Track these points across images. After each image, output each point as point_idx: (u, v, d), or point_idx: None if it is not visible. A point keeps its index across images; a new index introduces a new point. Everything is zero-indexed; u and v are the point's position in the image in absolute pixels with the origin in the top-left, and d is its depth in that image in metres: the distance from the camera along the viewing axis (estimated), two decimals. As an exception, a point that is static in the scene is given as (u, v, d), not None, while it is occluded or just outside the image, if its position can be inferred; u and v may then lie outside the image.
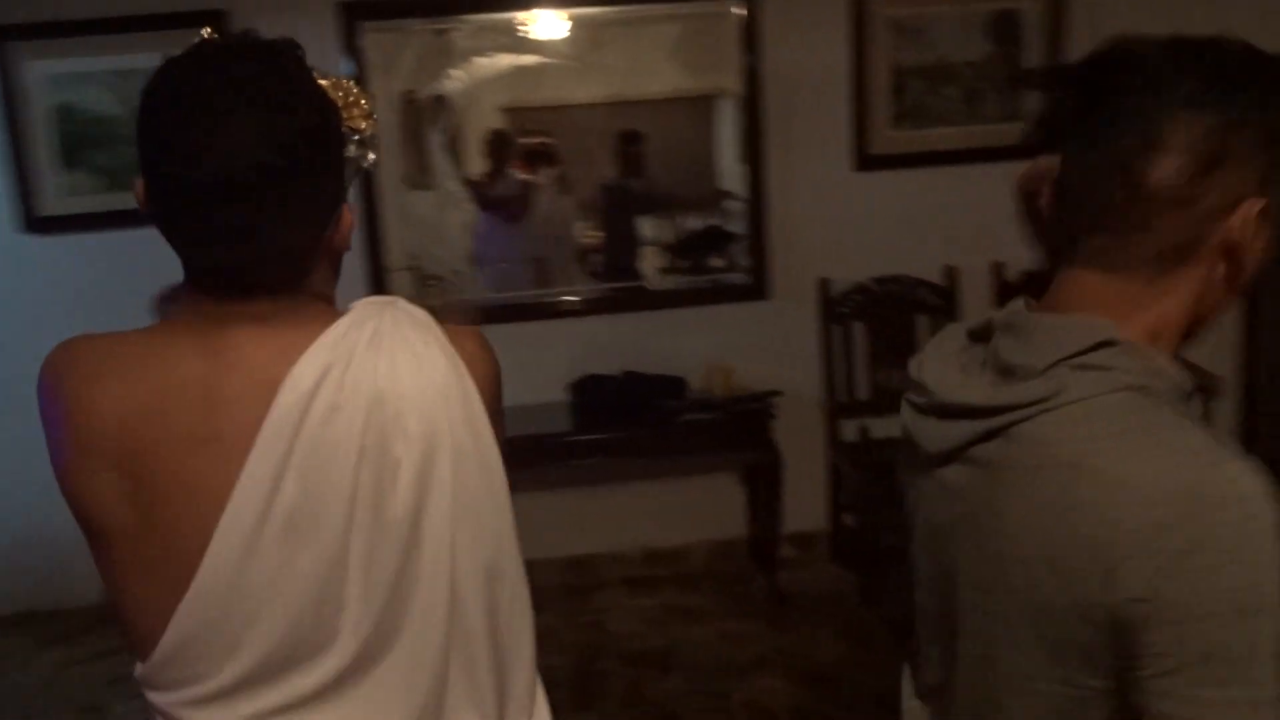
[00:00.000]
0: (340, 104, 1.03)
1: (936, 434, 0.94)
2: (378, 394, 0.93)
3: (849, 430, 3.63)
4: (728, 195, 3.73)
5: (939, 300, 3.69)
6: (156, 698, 0.97)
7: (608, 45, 3.57)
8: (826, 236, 3.66)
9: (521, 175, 3.71)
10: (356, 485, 0.91)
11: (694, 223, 3.88)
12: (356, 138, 1.08)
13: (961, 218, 3.67)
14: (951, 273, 3.68)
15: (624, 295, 3.71)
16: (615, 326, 3.62)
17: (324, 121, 0.94)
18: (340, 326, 0.95)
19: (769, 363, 3.59)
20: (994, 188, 3.64)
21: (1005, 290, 3.62)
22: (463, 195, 3.69)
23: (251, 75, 0.90)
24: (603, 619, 3.32)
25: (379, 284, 3.47)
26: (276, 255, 0.94)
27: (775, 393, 3.39)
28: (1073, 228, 0.88)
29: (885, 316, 3.66)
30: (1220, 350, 3.70)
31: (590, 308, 3.66)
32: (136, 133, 0.91)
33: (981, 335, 0.97)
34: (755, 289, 3.65)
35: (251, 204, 0.89)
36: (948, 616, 0.95)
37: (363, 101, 1.09)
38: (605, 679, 2.94)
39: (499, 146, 3.66)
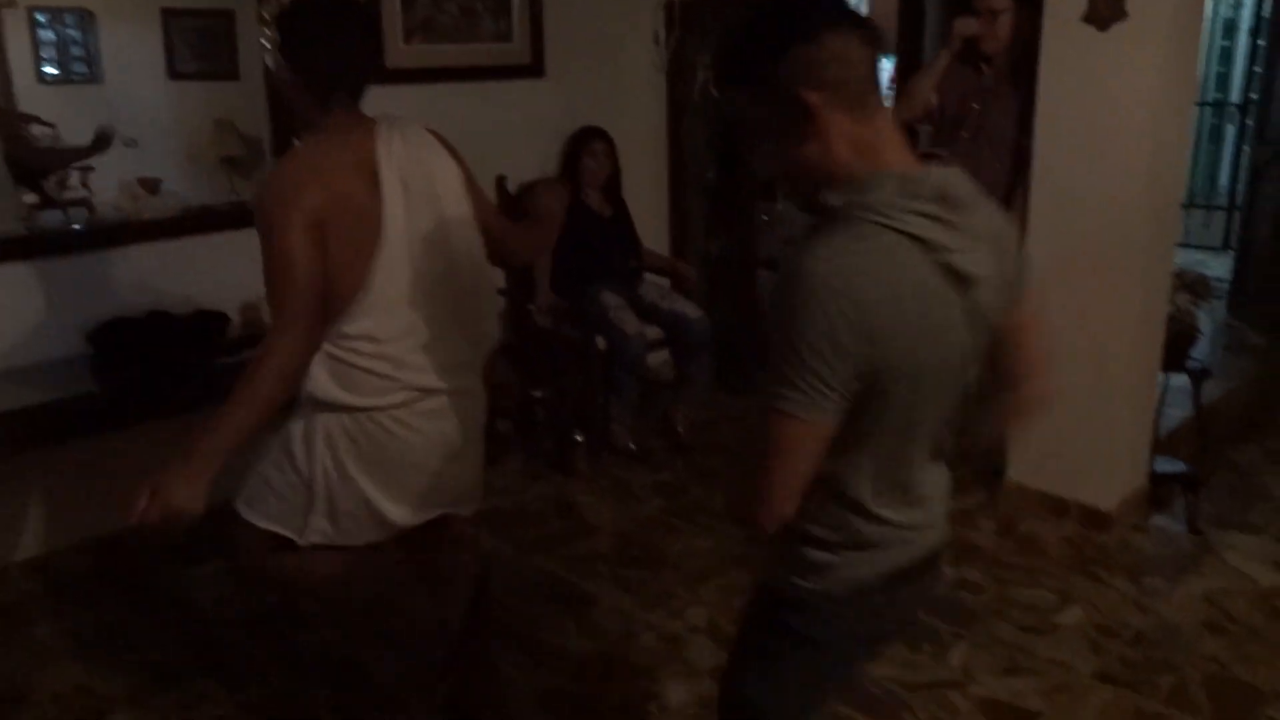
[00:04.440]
0: None
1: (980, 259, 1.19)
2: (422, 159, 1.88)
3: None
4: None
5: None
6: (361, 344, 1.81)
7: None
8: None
9: None
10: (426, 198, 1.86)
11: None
12: None
13: (469, 133, 3.82)
14: (459, 188, 3.83)
15: (137, 222, 3.12)
16: (132, 258, 3.06)
17: None
18: (383, 129, 1.85)
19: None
20: (494, 104, 3.91)
21: (508, 202, 3.90)
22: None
23: None
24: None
25: None
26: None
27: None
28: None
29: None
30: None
31: (99, 240, 3.02)
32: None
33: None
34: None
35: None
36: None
37: None
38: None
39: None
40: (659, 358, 4.09)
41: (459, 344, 1.93)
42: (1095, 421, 3.16)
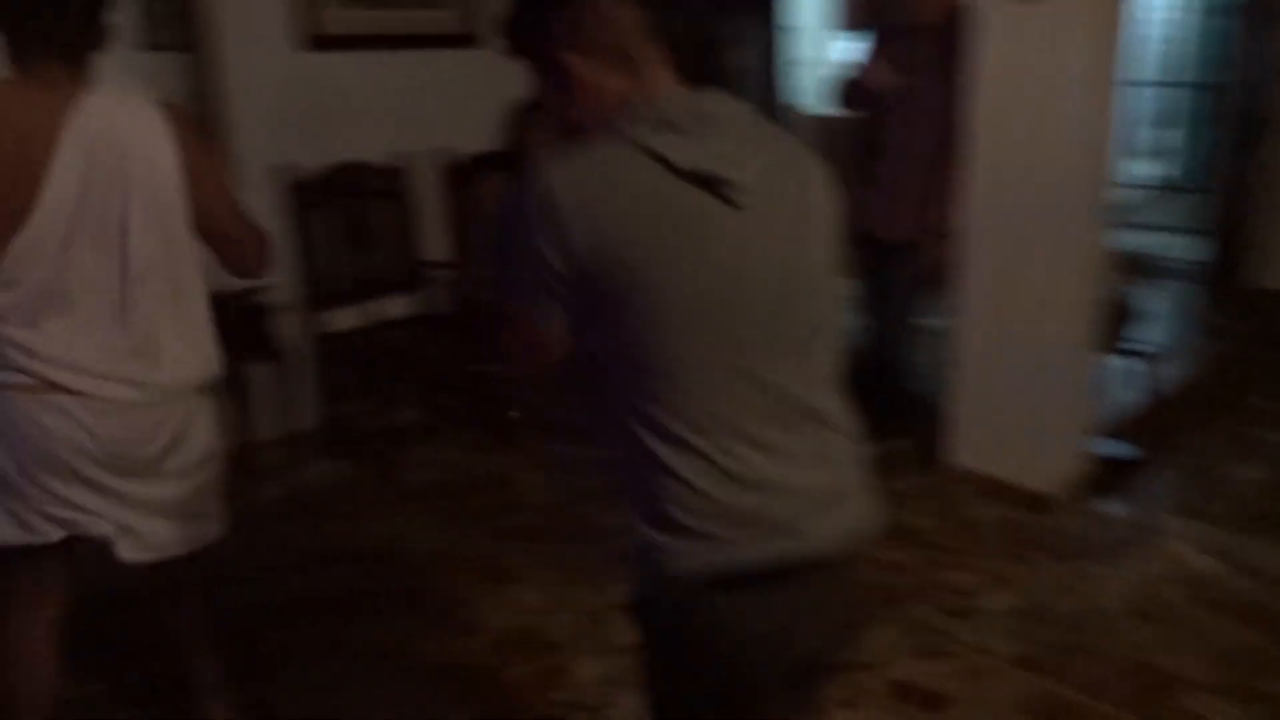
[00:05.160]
0: None
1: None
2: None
3: (333, 322, 3.59)
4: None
5: (391, 185, 3.76)
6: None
7: None
8: (280, 121, 3.46)
9: None
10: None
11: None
12: None
13: (410, 102, 3.77)
14: (404, 158, 3.77)
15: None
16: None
17: None
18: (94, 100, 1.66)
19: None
20: (439, 73, 3.84)
21: (456, 175, 3.84)
22: None
23: None
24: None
25: None
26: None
27: (263, 288, 3.18)
28: None
29: (343, 204, 3.63)
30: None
31: None
32: None
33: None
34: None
35: None
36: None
37: None
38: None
39: None
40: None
41: (118, 343, 1.71)
42: (1032, 403, 3.10)
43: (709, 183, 1.13)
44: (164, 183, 1.71)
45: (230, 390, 3.43)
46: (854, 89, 3.46)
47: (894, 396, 3.61)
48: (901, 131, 3.33)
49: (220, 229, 1.82)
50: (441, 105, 3.81)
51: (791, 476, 1.19)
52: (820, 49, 6.44)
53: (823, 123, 4.76)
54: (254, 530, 3.10)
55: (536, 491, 3.37)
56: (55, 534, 1.75)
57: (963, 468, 3.34)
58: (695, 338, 1.13)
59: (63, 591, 1.88)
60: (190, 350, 1.81)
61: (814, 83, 5.56)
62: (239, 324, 3.17)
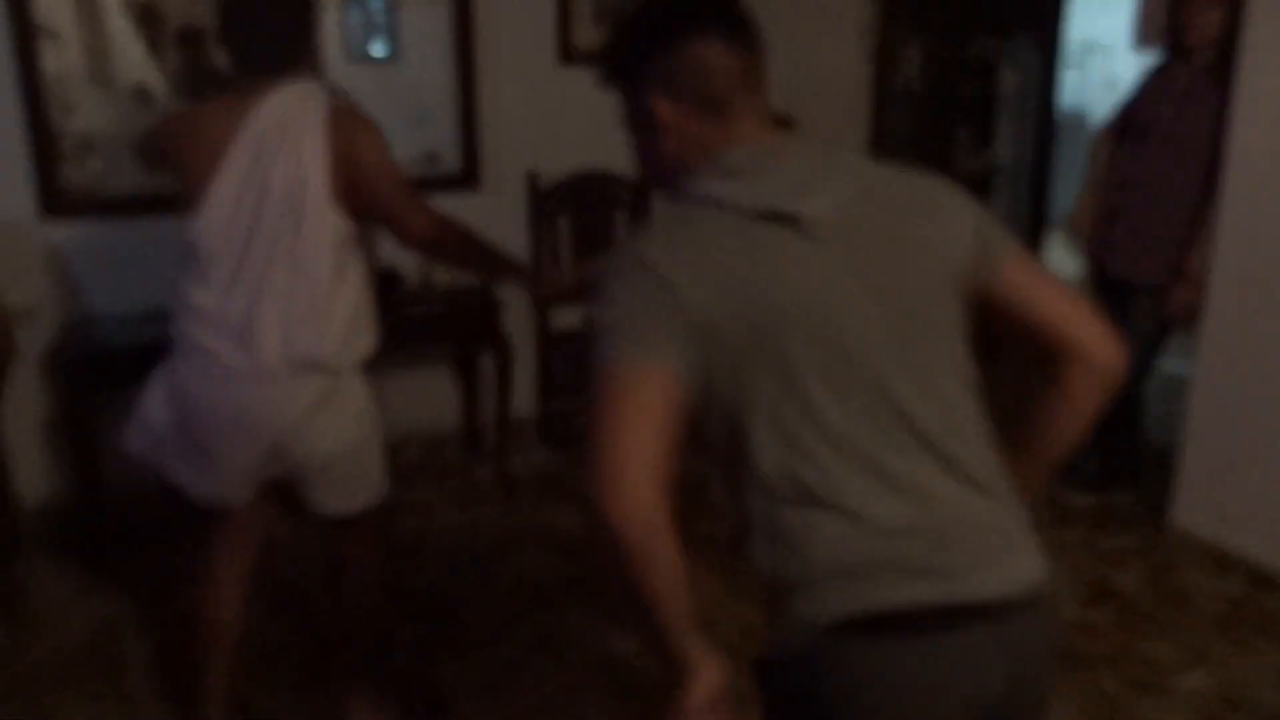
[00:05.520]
0: None
1: None
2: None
3: (558, 320, 3.83)
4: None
5: (630, 195, 3.93)
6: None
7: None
8: (534, 130, 3.73)
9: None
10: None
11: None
12: None
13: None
14: (642, 168, 3.93)
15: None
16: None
17: None
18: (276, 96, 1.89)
19: (479, 254, 3.63)
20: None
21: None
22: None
23: None
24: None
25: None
26: None
27: (496, 282, 3.44)
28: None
29: (589, 211, 3.84)
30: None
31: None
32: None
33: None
34: (466, 180, 3.64)
35: None
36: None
37: None
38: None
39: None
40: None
41: (229, 312, 1.90)
42: (1272, 468, 2.80)
43: (781, 219, 1.10)
44: (308, 162, 1.87)
45: (461, 376, 3.79)
46: (1124, 117, 3.24)
47: (1123, 446, 3.36)
48: (1158, 164, 3.08)
49: (383, 204, 1.94)
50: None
51: (932, 517, 1.10)
52: (1113, 67, 6.07)
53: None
54: (461, 512, 3.40)
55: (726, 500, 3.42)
56: (244, 494, 2.04)
57: (1187, 531, 3.07)
58: (797, 369, 1.10)
59: (255, 543, 2.18)
60: (303, 329, 1.90)
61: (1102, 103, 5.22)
62: (472, 315, 3.48)
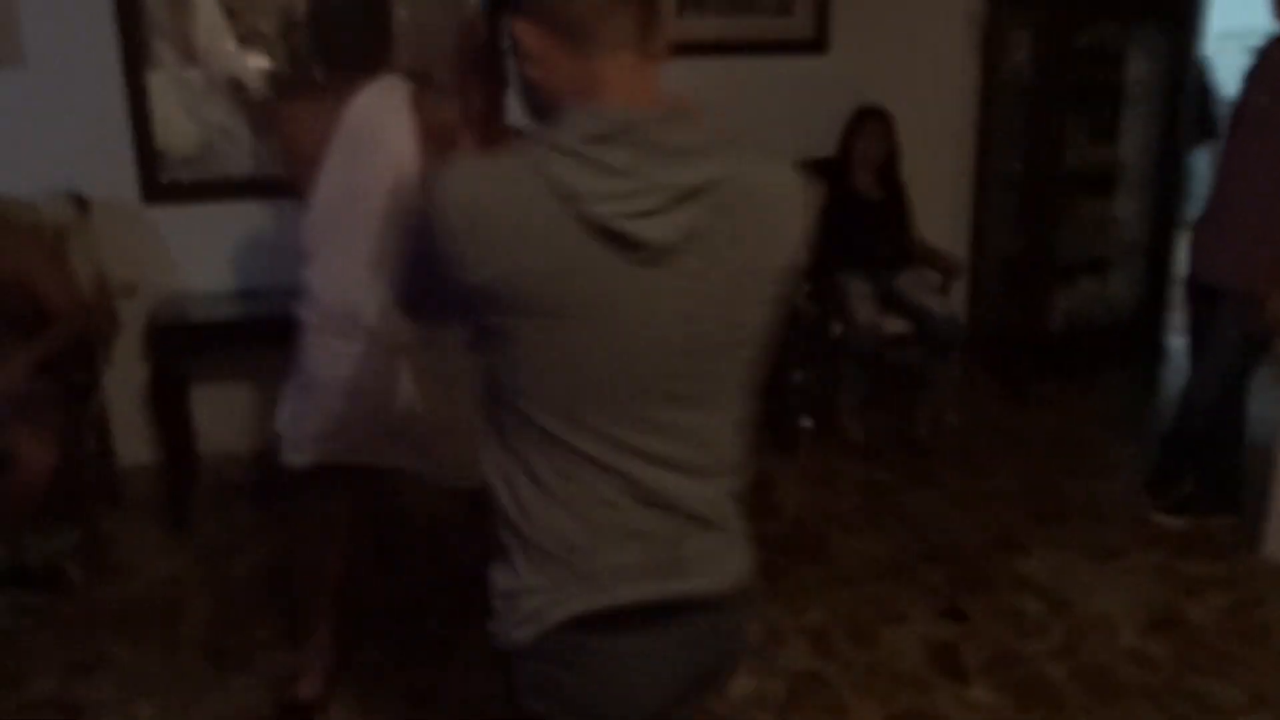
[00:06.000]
0: None
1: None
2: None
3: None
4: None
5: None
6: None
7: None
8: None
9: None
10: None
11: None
12: None
13: (738, 110, 3.86)
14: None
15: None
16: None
17: None
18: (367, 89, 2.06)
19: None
20: (769, 80, 3.92)
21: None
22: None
23: None
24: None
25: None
26: None
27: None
28: None
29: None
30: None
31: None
32: None
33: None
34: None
35: None
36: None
37: None
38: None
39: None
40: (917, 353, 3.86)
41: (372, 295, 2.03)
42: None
43: (619, 240, 1.01)
44: (394, 148, 2.03)
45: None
46: (1236, 111, 2.95)
47: (1223, 466, 3.09)
48: (1256, 161, 2.81)
49: None
50: (787, 111, 3.85)
51: (650, 521, 1.14)
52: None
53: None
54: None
55: (792, 502, 3.36)
56: (348, 457, 2.20)
57: (1275, 562, 2.78)
58: (583, 374, 1.07)
59: (351, 501, 2.38)
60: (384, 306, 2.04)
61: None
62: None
